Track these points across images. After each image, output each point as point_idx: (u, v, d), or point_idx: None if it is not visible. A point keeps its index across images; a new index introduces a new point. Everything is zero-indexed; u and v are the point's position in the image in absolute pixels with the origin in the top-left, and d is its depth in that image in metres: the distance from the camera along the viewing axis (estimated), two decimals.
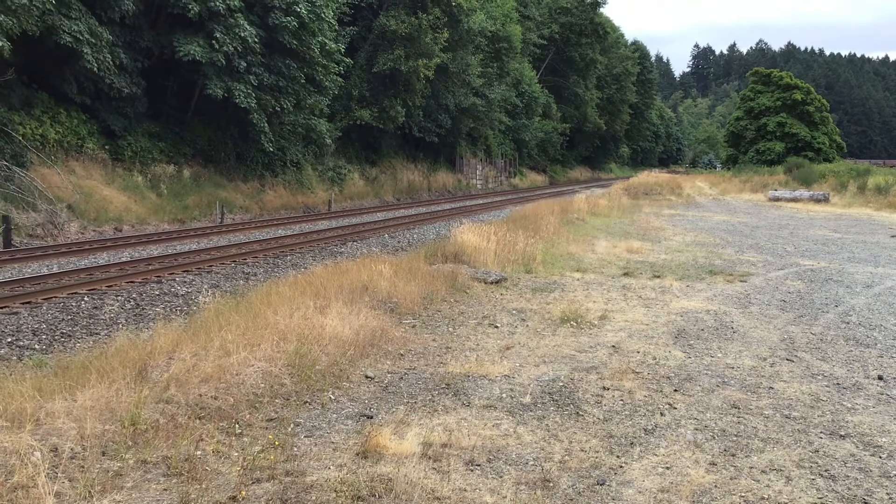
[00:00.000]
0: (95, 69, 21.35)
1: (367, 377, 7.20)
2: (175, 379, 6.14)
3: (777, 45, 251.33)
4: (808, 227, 25.20)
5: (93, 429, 5.12)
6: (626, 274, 14.00)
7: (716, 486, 5.04)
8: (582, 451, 5.60)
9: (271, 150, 27.82)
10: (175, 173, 25.69)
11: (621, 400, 6.77)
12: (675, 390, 7.09)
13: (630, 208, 30.23)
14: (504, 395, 6.79)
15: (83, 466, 4.71)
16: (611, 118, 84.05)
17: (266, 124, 26.53)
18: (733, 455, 5.60)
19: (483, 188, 51.58)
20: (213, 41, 23.93)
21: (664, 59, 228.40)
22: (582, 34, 70.78)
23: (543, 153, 66.85)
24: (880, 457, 5.69)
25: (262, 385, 6.42)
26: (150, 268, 14.31)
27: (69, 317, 10.55)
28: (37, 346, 9.15)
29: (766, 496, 4.93)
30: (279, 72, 26.88)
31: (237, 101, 24.99)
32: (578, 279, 13.30)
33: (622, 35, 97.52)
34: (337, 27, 31.13)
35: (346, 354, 7.54)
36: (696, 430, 6.10)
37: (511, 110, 55.60)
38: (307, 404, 6.37)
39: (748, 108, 64.16)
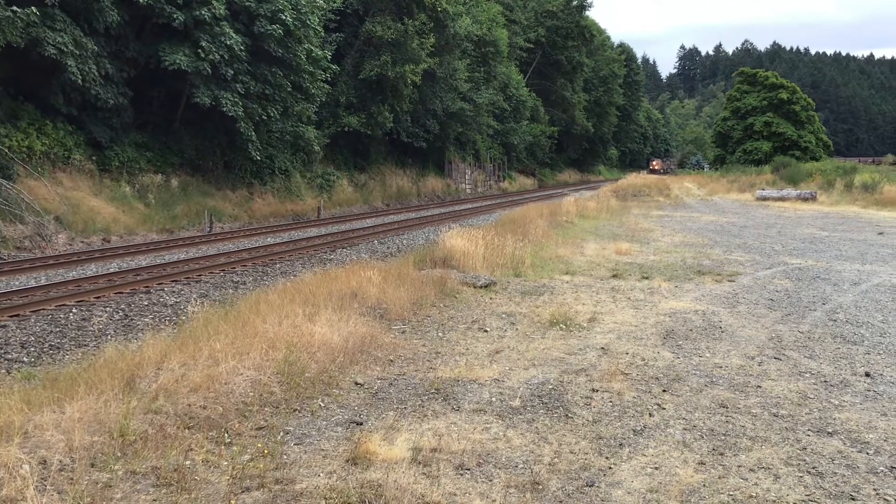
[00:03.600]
0: (80, 81, 21.29)
1: (356, 384, 7.20)
2: (164, 389, 6.13)
3: (762, 44, 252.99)
4: (796, 225, 25.34)
5: (81, 440, 5.11)
6: (614, 276, 14.05)
7: (704, 486, 5.07)
8: (571, 453, 5.62)
9: (259, 158, 27.80)
10: (163, 183, 25.63)
11: (610, 401, 6.80)
12: (664, 391, 7.12)
13: (619, 210, 30.33)
14: (494, 399, 6.80)
15: (72, 478, 4.70)
16: (598, 120, 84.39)
17: (253, 132, 26.51)
18: (722, 454, 5.64)
19: (472, 192, 51.64)
20: (199, 50, 23.91)
21: (650, 61, 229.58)
22: (568, 37, 71.01)
23: (532, 156, 67.02)
24: (867, 453, 5.73)
25: (252, 393, 6.42)
26: (139, 278, 14.27)
27: (57, 329, 10.51)
28: (25, 359, 9.11)
29: (755, 494, 4.96)
30: (266, 80, 26.87)
31: (224, 109, 24.95)
32: (567, 282, 13.33)
33: (608, 38, 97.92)
34: (323, 34, 31.13)
35: (335, 361, 7.54)
36: (685, 429, 6.13)
37: (499, 114, 55.71)
38: (297, 412, 6.37)
39: (735, 109, 64.62)
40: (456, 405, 6.64)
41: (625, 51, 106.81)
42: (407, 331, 9.48)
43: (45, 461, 4.86)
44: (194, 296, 12.83)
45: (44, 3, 19.82)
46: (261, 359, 6.97)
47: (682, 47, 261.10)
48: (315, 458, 5.41)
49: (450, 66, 43.37)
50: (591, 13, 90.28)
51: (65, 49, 20.47)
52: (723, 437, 5.97)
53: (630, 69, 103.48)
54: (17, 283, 13.89)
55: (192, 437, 5.51)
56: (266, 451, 5.39)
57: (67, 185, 21.78)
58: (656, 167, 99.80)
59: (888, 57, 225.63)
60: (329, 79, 31.32)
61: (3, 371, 8.49)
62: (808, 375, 7.74)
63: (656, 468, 5.36)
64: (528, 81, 65.28)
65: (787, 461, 5.53)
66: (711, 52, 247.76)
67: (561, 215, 24.71)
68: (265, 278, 15.06)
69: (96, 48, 22.04)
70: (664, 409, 6.62)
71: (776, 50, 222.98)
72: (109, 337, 10.07)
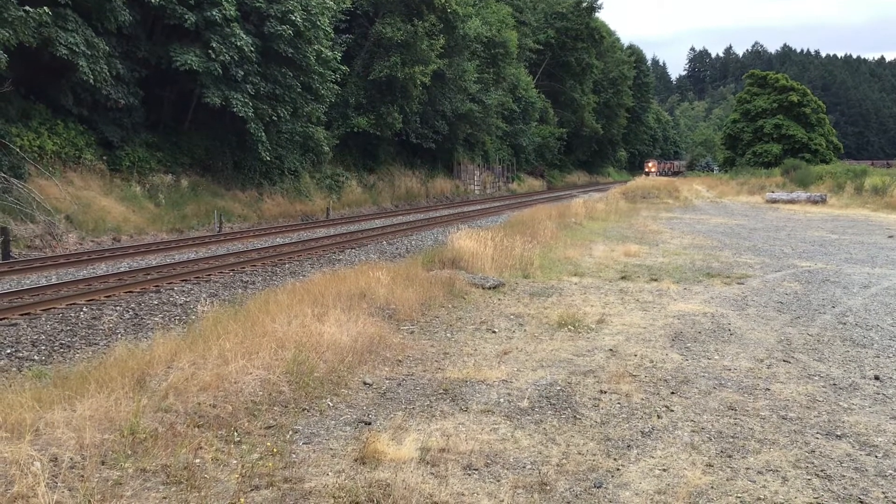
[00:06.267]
0: (92, 80, 21.38)
1: (365, 384, 7.22)
2: (174, 388, 6.17)
3: (773, 47, 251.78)
4: (806, 228, 25.24)
5: (92, 438, 5.15)
6: (623, 277, 14.03)
7: (712, 488, 5.07)
8: (579, 454, 5.62)
9: (268, 158, 27.86)
10: (173, 183, 25.74)
11: (618, 403, 6.80)
12: (672, 393, 7.11)
13: (627, 212, 30.28)
14: (502, 400, 6.81)
15: (82, 476, 4.73)
16: (608, 122, 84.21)
17: (263, 133, 26.58)
18: (730, 456, 5.63)
19: (481, 194, 51.62)
20: (210, 51, 24.00)
21: (660, 63, 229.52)
22: (578, 39, 70.93)
23: (541, 158, 66.97)
24: (876, 456, 5.72)
25: (261, 393, 6.45)
26: (149, 277, 14.33)
27: (68, 328, 10.57)
28: (36, 357, 9.17)
29: (763, 497, 4.95)
30: (276, 80, 26.96)
31: (234, 109, 25.05)
32: (576, 283, 13.33)
33: (618, 39, 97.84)
34: (333, 35, 31.19)
35: (344, 361, 7.56)
36: (693, 432, 6.13)
37: (508, 116, 55.70)
38: (305, 411, 6.39)
39: (745, 111, 64.36)
40: (464, 406, 6.65)
41: (634, 52, 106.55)
42: (415, 331, 9.50)
43: (56, 458, 4.89)
44: (204, 295, 12.88)
45: (56, 2, 19.93)
46: (270, 358, 7.00)
47: (693, 49, 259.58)
48: (324, 457, 5.43)
49: (459, 67, 43.38)
50: (601, 15, 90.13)
51: (76, 49, 20.56)
52: (731, 440, 5.96)
53: (640, 71, 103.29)
54: (27, 281, 13.98)
55: (201, 435, 5.54)
56: (275, 450, 5.41)
57: (78, 184, 21.90)
58: (651, 169, 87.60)
59: None
60: (339, 80, 31.39)
61: (15, 369, 8.55)
62: (817, 378, 7.72)
63: (664, 470, 5.36)
64: (537, 83, 65.24)
65: (795, 464, 5.52)
66: (721, 54, 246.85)
67: (569, 217, 24.69)
68: (274, 278, 15.10)
69: (108, 48, 22.13)
70: (672, 411, 6.62)
71: (786, 52, 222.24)
72: (120, 336, 10.12)
